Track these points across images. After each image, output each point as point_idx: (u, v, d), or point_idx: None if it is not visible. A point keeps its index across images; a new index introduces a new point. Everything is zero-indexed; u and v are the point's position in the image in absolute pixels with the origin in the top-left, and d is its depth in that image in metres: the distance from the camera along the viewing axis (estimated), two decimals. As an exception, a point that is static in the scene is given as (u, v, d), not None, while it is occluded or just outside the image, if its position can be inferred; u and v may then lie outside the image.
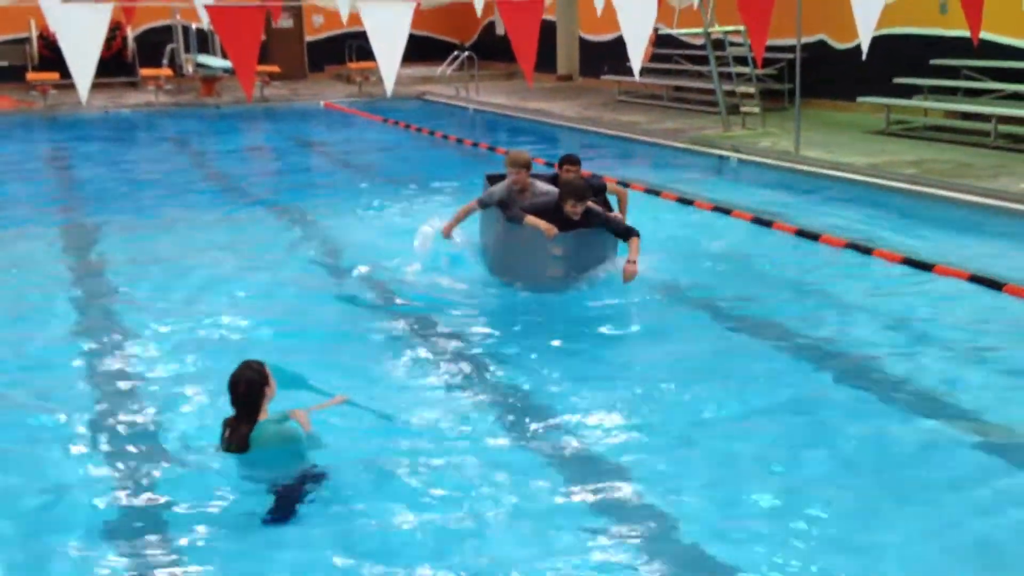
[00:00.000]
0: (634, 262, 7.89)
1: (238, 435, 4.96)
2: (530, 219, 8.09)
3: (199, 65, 23.77)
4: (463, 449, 5.56)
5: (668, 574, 4.44)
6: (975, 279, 8.42)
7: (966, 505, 4.99)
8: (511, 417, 6.03)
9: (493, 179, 9.46)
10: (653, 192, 12.16)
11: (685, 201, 11.71)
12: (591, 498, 5.07)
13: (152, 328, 7.59)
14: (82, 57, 4.53)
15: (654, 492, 5.12)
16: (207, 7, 6.28)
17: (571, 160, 8.82)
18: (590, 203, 8.08)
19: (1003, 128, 14.29)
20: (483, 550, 4.60)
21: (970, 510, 4.95)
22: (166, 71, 23.83)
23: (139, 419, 6.01)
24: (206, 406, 6.05)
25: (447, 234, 8.82)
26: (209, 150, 18.10)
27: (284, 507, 4.77)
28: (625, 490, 5.14)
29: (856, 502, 5.02)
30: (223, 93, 23.48)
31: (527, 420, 5.97)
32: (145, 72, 23.94)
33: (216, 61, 23.69)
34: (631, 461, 5.43)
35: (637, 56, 5.73)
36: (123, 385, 6.55)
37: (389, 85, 5.02)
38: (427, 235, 9.10)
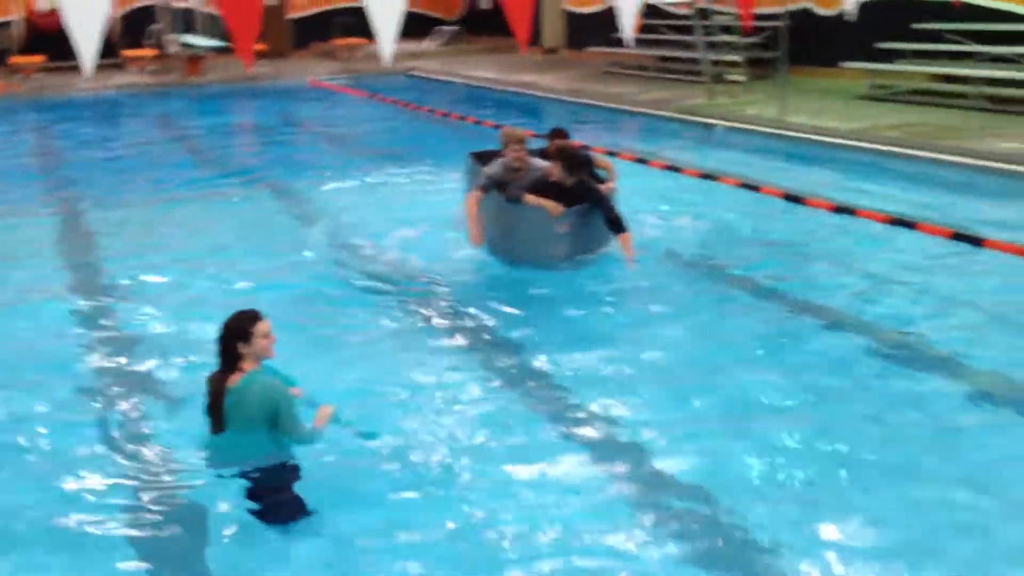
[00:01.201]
0: (630, 258, 7.89)
1: (214, 385, 4.80)
2: (532, 198, 7.94)
3: (184, 44, 23.69)
4: (470, 432, 5.51)
5: (694, 547, 4.50)
6: (957, 236, 8.61)
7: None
8: (518, 394, 6.03)
9: (479, 156, 9.27)
10: (642, 161, 12.27)
11: (674, 169, 11.84)
12: (605, 473, 5.11)
13: (143, 306, 7.65)
14: (86, 33, 4.63)
15: (666, 458, 5.20)
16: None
17: (560, 133, 8.76)
18: (586, 177, 8.02)
19: (985, 90, 14.44)
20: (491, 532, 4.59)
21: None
22: (151, 51, 23.76)
23: (127, 397, 6.06)
24: (189, 383, 6.07)
25: (477, 236, 8.25)
26: (197, 129, 18.11)
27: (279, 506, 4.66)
28: (643, 463, 5.16)
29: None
30: (208, 72, 23.43)
31: (536, 397, 5.98)
32: (129, 53, 23.86)
33: (201, 40, 23.64)
34: (647, 435, 5.44)
35: (629, 24, 5.79)
36: (111, 360, 6.61)
37: (388, 56, 5.09)
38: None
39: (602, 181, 8.71)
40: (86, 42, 4.51)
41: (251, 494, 4.70)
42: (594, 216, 8.08)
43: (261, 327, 4.78)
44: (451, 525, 4.62)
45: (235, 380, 4.71)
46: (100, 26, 4.73)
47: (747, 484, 4.91)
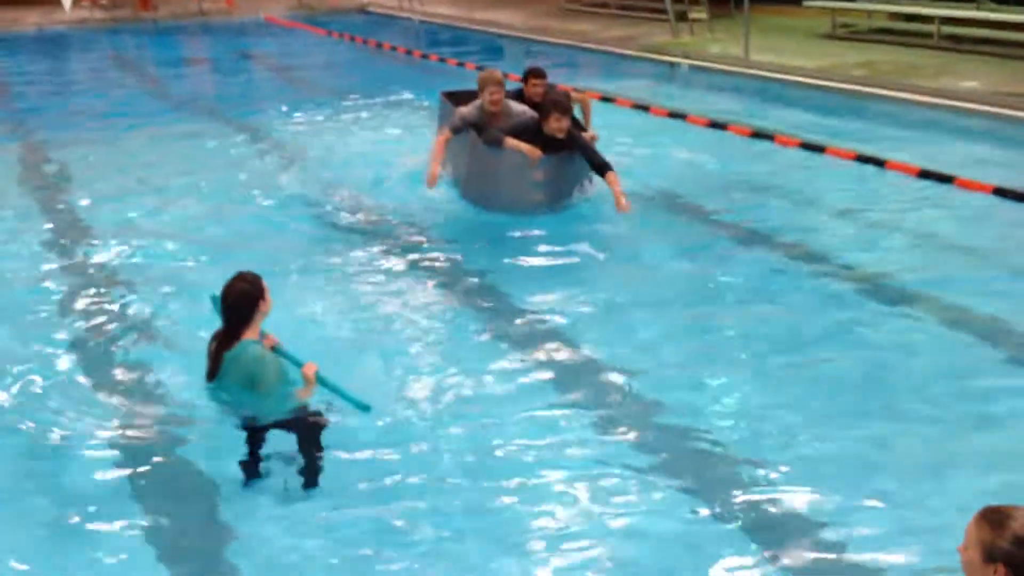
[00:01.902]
0: (622, 195, 7.62)
1: (216, 351, 4.63)
2: (511, 142, 7.72)
3: (134, -21, 23.15)
4: (450, 375, 5.46)
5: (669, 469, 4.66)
6: (925, 174, 8.76)
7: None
8: (500, 338, 5.99)
9: (451, 96, 9.17)
10: (609, 99, 12.26)
11: (642, 107, 11.86)
12: (587, 411, 5.19)
13: (108, 243, 7.60)
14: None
15: (645, 387, 5.36)
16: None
17: (537, 73, 8.44)
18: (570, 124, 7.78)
19: (945, 29, 14.57)
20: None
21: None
22: (100, -14, 23.17)
23: (100, 340, 5.97)
24: (152, 329, 6.10)
25: (434, 178, 8.05)
26: (151, 66, 17.80)
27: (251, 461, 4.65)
28: (618, 393, 5.29)
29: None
30: (160, 8, 22.93)
31: (520, 342, 5.94)
32: (78, -13, 23.23)
33: (152, -25, 23.10)
34: (629, 369, 5.53)
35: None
36: (82, 304, 6.53)
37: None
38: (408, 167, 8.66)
39: (581, 126, 8.61)
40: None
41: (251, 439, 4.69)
42: (572, 163, 7.93)
43: (265, 283, 4.67)
44: (445, 466, 4.68)
45: (232, 346, 4.60)
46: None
47: (729, 413, 5.05)
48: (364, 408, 4.76)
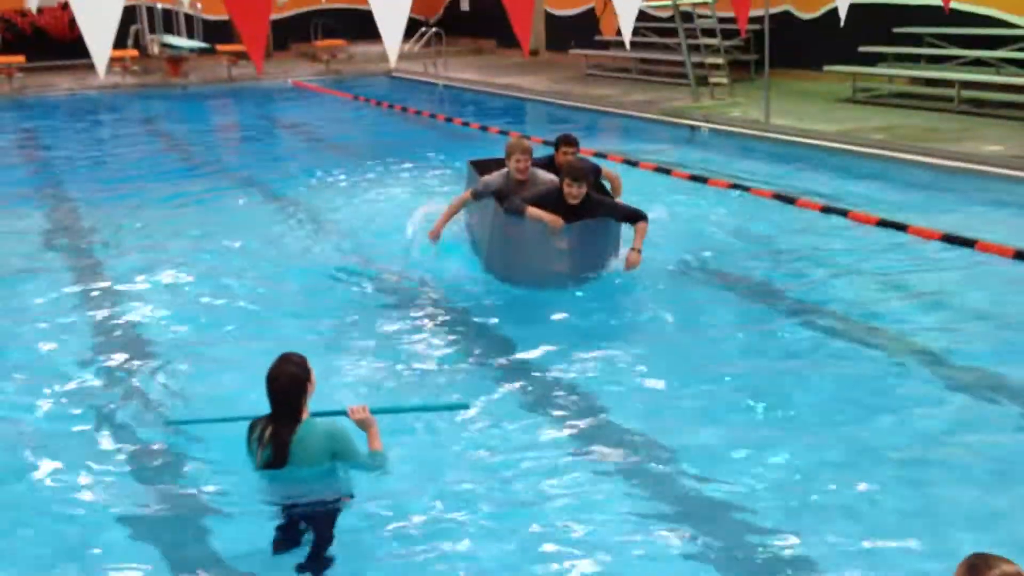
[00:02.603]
0: (638, 250, 7.59)
1: (279, 439, 4.51)
2: (533, 211, 7.52)
3: (165, 45, 23.62)
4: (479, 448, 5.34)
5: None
6: (947, 238, 8.73)
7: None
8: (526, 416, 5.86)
9: (477, 165, 9.13)
10: (631, 163, 12.35)
11: (664, 171, 11.93)
12: (601, 463, 5.26)
13: (132, 310, 7.62)
14: (99, 31, 4.65)
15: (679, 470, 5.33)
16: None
17: (569, 141, 8.30)
18: (590, 191, 7.65)
19: (966, 94, 14.64)
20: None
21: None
22: (131, 52, 23.64)
23: (130, 415, 5.83)
24: (172, 397, 6.02)
25: (438, 232, 8.19)
26: (180, 131, 18.06)
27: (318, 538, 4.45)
28: (652, 470, 5.22)
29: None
30: (190, 74, 23.36)
31: (533, 398, 5.95)
32: (111, 53, 23.69)
33: (183, 41, 23.57)
34: (660, 448, 5.48)
35: (629, 25, 5.77)
36: (105, 368, 6.51)
37: (393, 57, 5.08)
38: (419, 220, 8.63)
39: (607, 193, 8.57)
40: (99, 39, 4.52)
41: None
42: (597, 231, 7.74)
43: (310, 363, 4.61)
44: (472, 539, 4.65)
45: (294, 430, 4.54)
46: (114, 21, 4.75)
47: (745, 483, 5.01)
48: (461, 406, 4.70)
